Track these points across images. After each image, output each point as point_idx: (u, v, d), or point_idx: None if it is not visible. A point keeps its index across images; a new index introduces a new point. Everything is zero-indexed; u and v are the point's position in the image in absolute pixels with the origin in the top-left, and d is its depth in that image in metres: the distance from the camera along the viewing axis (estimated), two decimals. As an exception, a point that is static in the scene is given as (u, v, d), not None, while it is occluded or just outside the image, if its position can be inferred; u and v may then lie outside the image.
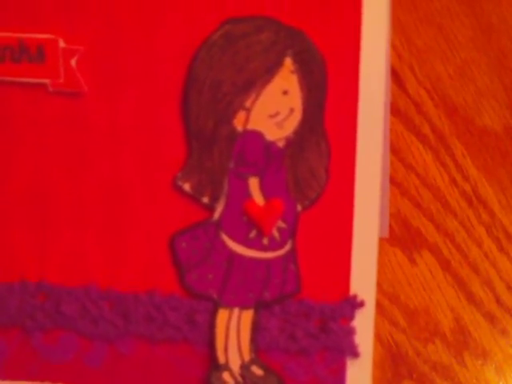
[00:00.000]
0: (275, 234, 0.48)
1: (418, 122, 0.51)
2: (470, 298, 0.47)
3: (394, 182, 0.52)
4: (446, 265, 0.51)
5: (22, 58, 0.47)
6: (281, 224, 0.48)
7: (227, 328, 0.49)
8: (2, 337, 0.49)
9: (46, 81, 0.47)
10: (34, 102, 0.47)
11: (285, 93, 0.46)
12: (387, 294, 0.52)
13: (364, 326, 0.49)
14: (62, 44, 0.47)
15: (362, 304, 0.49)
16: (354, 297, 0.49)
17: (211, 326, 0.49)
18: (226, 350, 0.49)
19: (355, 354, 0.49)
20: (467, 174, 0.48)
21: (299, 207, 0.48)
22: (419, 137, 0.51)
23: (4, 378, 0.49)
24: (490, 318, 0.47)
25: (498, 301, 0.47)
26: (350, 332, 0.49)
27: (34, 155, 0.48)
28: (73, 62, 0.47)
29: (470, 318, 0.47)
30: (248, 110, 0.47)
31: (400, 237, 0.52)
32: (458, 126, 0.50)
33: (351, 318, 0.49)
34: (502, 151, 0.48)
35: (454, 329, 0.50)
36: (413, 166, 0.52)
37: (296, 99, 0.46)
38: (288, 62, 0.46)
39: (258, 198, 0.48)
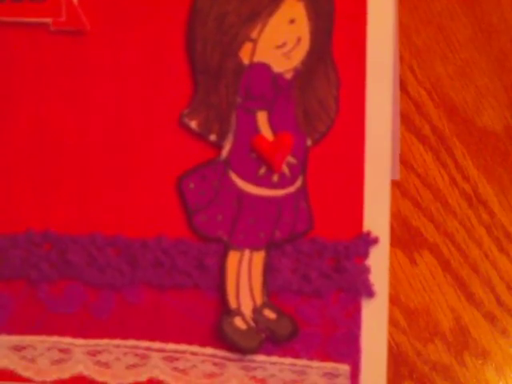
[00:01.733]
0: (285, 170, 0.47)
1: (418, 122, 0.51)
2: (470, 298, 0.47)
3: (394, 183, 0.51)
4: (446, 265, 0.50)
5: None
6: (291, 159, 0.47)
7: (238, 271, 0.47)
8: (7, 289, 0.47)
9: (48, 20, 0.45)
10: (36, 42, 0.46)
11: (291, 21, 0.45)
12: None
13: (379, 264, 0.47)
14: (63, -20, 0.46)
15: (375, 241, 0.47)
16: (368, 233, 0.47)
17: (221, 270, 0.47)
18: (237, 294, 0.47)
19: (370, 293, 0.48)
20: (467, 174, 0.48)
21: (309, 141, 0.47)
22: (419, 137, 0.51)
23: (10, 332, 0.47)
24: (490, 318, 0.47)
25: (498, 301, 0.47)
26: (365, 270, 0.47)
27: (36, 98, 0.47)
28: (75, 0, 0.45)
29: (470, 318, 0.47)
30: (254, 41, 0.45)
31: (400, 237, 0.52)
32: (458, 126, 0.50)
33: (365, 255, 0.47)
34: (502, 151, 0.47)
35: (454, 329, 0.49)
36: (413, 167, 0.52)
37: (303, 28, 0.45)
38: None
39: (266, 132, 0.46)
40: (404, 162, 0.51)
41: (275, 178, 0.47)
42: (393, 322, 0.50)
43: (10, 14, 0.46)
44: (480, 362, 0.46)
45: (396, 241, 0.49)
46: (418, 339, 0.50)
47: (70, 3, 0.46)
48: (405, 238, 0.51)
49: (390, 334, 0.46)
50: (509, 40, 0.47)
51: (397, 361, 0.50)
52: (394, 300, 0.49)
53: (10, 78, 0.46)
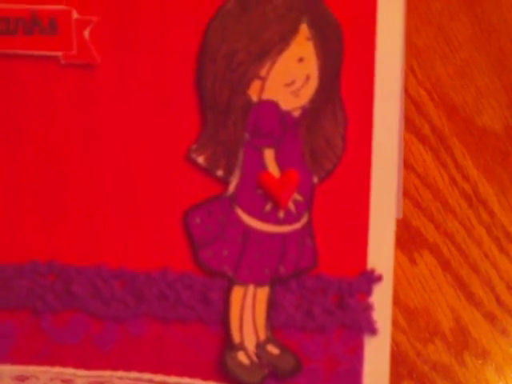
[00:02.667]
0: (291, 206, 0.46)
1: (417, 122, 0.51)
2: (470, 298, 0.46)
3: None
4: (446, 265, 0.50)
5: (34, 30, 0.45)
6: (297, 196, 0.46)
7: (242, 306, 0.47)
8: (11, 319, 0.47)
9: (59, 53, 0.45)
10: (46, 75, 0.45)
11: (300, 60, 0.45)
12: (387, 294, 0.49)
13: (382, 302, 0.47)
14: (74, 15, 0.46)
15: (379, 278, 0.47)
16: (372, 271, 0.47)
17: (226, 304, 0.47)
18: (240, 328, 0.47)
19: (373, 330, 0.47)
20: (467, 174, 0.47)
21: (315, 179, 0.46)
22: (419, 137, 0.51)
23: (13, 362, 0.47)
24: (490, 318, 0.47)
25: (498, 301, 0.46)
26: (368, 308, 0.47)
27: (45, 130, 0.46)
28: (86, 34, 0.45)
29: (470, 318, 0.46)
30: (263, 79, 0.45)
31: (400, 237, 0.51)
32: (458, 126, 0.49)
33: (369, 293, 0.47)
34: (502, 151, 0.47)
35: (454, 329, 0.49)
36: (413, 166, 0.51)
37: (312, 66, 0.45)
38: (304, 28, 0.44)
39: (273, 169, 0.46)
40: (404, 161, 0.50)
41: (281, 214, 0.46)
42: (392, 322, 0.48)
43: (21, 47, 0.45)
44: (480, 362, 0.46)
45: (396, 241, 0.47)
46: (418, 339, 0.50)
47: (81, 37, 0.46)
48: (404, 237, 0.51)
49: (390, 333, 0.45)
50: (509, 40, 0.47)
51: (396, 361, 0.50)
52: (393, 300, 0.48)
53: (19, 110, 0.46)
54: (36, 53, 0.45)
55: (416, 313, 0.47)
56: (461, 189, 0.50)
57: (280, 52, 0.44)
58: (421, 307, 0.50)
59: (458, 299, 0.47)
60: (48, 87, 0.45)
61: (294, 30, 0.44)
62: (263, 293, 0.47)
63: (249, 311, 0.47)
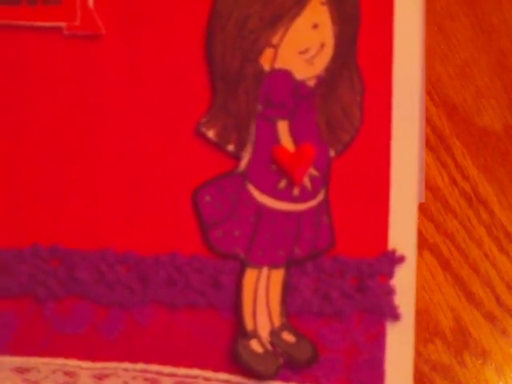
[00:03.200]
0: (306, 182, 0.44)
1: None
2: (470, 297, 0.45)
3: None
4: (446, 265, 0.49)
5: (37, 0, 0.43)
6: (312, 171, 0.44)
7: (255, 290, 0.44)
8: (12, 307, 0.45)
9: (62, 24, 0.43)
10: (49, 47, 0.44)
11: (315, 26, 0.43)
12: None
13: (405, 285, 0.44)
14: (79, -17, 0.44)
15: (401, 259, 0.44)
16: (393, 251, 0.44)
17: (238, 289, 0.44)
18: (254, 314, 0.44)
19: (395, 316, 0.44)
20: (467, 174, 0.46)
21: (332, 152, 0.44)
22: None
23: (14, 353, 0.45)
24: (490, 318, 0.46)
25: (498, 301, 0.45)
26: (390, 291, 0.44)
27: (47, 105, 0.44)
28: (90, 2, 0.43)
29: (470, 318, 0.45)
30: (275, 47, 0.43)
31: None
32: (458, 126, 0.48)
33: (390, 275, 0.44)
34: (502, 151, 0.46)
35: (454, 329, 0.48)
36: None
37: (327, 33, 0.43)
38: None
39: (287, 143, 0.44)
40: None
41: (296, 191, 0.44)
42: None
43: (24, 18, 0.43)
44: (480, 361, 0.45)
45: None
46: (418, 339, 0.48)
47: (85, 7, 0.44)
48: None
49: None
50: (509, 40, 0.46)
51: (397, 361, 0.46)
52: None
53: (21, 83, 0.44)
54: (39, 23, 0.43)
55: (416, 313, 0.45)
56: (461, 189, 0.49)
57: (293, 18, 0.42)
58: (421, 307, 0.49)
59: (458, 299, 0.46)
60: (51, 59, 0.44)
61: None
62: (278, 275, 0.44)
63: (262, 296, 0.44)
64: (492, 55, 0.47)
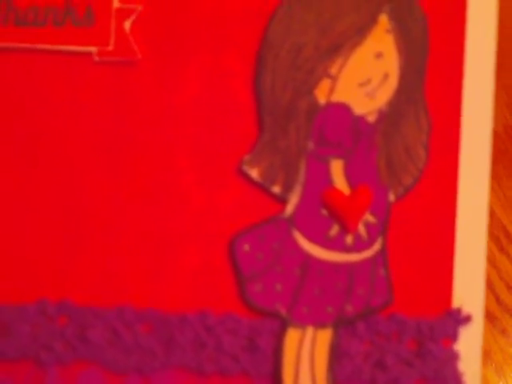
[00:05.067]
0: (362, 230, 0.40)
1: None
2: None
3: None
4: None
5: (66, 20, 0.39)
6: (369, 218, 0.40)
7: (298, 354, 0.40)
8: (10, 372, 0.39)
9: (93, 48, 0.39)
10: (77, 74, 0.40)
11: (378, 56, 0.40)
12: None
13: (470, 349, 0.41)
14: (115, 3, 0.39)
15: (468, 319, 0.41)
16: (458, 310, 0.41)
17: (277, 353, 0.40)
18: (296, 383, 0.40)
19: None
20: None
21: (392, 197, 0.40)
22: None
23: (10, 427, 0.39)
24: (490, 318, 0.44)
25: (498, 301, 0.44)
26: (454, 356, 0.40)
27: (71, 139, 0.40)
28: (127, 25, 0.39)
29: None
30: (333, 78, 0.39)
31: None
32: None
33: (454, 337, 0.41)
34: (502, 151, 0.46)
35: None
36: None
37: (391, 63, 0.40)
38: (383, 19, 0.39)
39: (341, 185, 0.40)
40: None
41: (349, 239, 0.40)
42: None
43: (50, 41, 0.39)
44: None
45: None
46: None
47: (121, 30, 0.39)
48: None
49: None
50: (509, 40, 0.45)
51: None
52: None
53: (44, 114, 0.40)
54: (66, 48, 0.39)
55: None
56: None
57: (355, 46, 0.39)
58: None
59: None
60: (78, 88, 0.40)
61: (372, 21, 0.39)
62: (325, 337, 0.40)
63: (306, 361, 0.40)
64: None
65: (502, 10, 0.44)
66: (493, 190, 0.45)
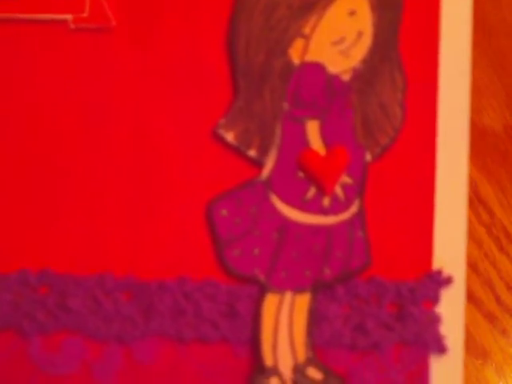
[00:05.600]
0: (339, 191, 0.39)
1: None
2: (470, 297, 0.43)
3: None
4: None
5: None
6: (346, 179, 0.39)
7: (277, 319, 0.39)
8: None
9: (68, 16, 0.39)
10: (53, 42, 0.40)
11: (351, 13, 0.39)
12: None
13: (452, 311, 0.40)
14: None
15: (448, 281, 0.40)
16: (439, 272, 0.40)
17: (256, 318, 0.39)
18: (274, 348, 0.39)
19: (441, 348, 0.40)
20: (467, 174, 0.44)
21: (368, 156, 0.40)
22: None
23: (-6, 396, 0.39)
24: (490, 318, 0.44)
25: (498, 301, 0.44)
26: (435, 319, 0.40)
27: (48, 106, 0.40)
28: None
29: (470, 318, 0.43)
30: (307, 37, 0.39)
31: None
32: None
33: (435, 300, 0.40)
34: (502, 151, 0.45)
35: None
36: None
37: (365, 20, 0.39)
38: None
39: (317, 146, 0.39)
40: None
41: (326, 201, 0.39)
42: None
43: (25, 10, 0.39)
44: (480, 362, 0.43)
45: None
46: None
47: (94, -4, 0.39)
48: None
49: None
50: (509, 40, 0.45)
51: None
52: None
53: (22, 82, 0.40)
54: (42, 16, 0.40)
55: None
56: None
57: (328, 4, 0.39)
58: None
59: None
60: (55, 55, 0.40)
61: None
62: (303, 301, 0.39)
63: (285, 326, 0.39)
64: (492, 55, 0.45)
65: (502, 7, 0.44)
66: (493, 190, 0.45)
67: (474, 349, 0.43)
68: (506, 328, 0.44)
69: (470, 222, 0.44)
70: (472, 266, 0.44)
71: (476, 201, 0.44)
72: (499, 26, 0.44)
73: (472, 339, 0.43)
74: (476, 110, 0.44)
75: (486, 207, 0.44)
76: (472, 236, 0.44)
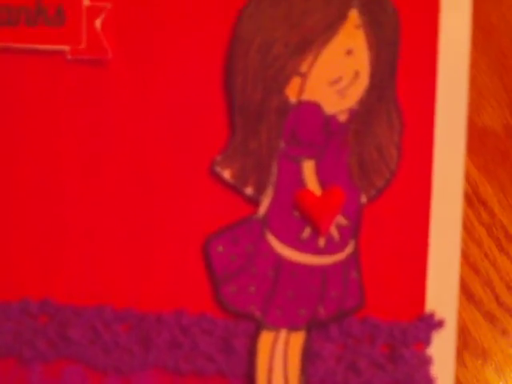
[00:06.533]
0: (334, 232, 0.39)
1: None
2: (470, 297, 0.43)
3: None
4: None
5: (38, 20, 0.39)
6: (341, 220, 0.39)
7: (271, 356, 0.39)
8: None
9: (65, 47, 0.39)
10: (50, 73, 0.39)
11: (349, 53, 0.38)
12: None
13: (443, 354, 0.39)
14: (85, 1, 0.38)
15: (440, 324, 0.39)
16: (431, 315, 0.39)
17: (252, 354, 0.39)
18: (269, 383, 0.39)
19: None
20: (467, 174, 0.44)
21: (364, 198, 0.39)
22: None
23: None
24: (490, 318, 0.43)
25: (498, 301, 0.43)
26: (426, 361, 0.39)
27: (46, 137, 0.40)
28: (97, 24, 0.39)
29: (470, 318, 0.43)
30: (304, 76, 0.38)
31: None
32: None
33: (427, 342, 0.39)
34: (502, 151, 0.44)
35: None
36: None
37: (362, 60, 0.38)
38: (354, 14, 0.38)
39: (313, 186, 0.39)
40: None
41: (321, 242, 0.39)
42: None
43: (22, 40, 0.39)
44: (480, 362, 0.43)
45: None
46: None
47: (92, 28, 0.38)
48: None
49: None
50: (509, 40, 0.44)
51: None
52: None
53: (18, 112, 0.40)
54: (40, 47, 0.39)
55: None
56: (461, 189, 0.47)
57: (325, 43, 0.38)
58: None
59: (458, 299, 0.43)
60: (52, 87, 0.39)
61: (341, 17, 0.38)
62: (298, 340, 0.39)
63: (279, 363, 0.39)
64: (492, 55, 0.44)
65: (502, 7, 0.44)
66: (493, 190, 0.44)
67: (474, 349, 0.43)
68: (506, 328, 0.43)
69: (469, 222, 0.43)
70: (472, 266, 0.43)
71: (476, 201, 0.44)
72: (499, 26, 0.43)
73: (472, 339, 0.43)
74: (476, 110, 0.43)
75: (486, 207, 0.44)
76: (472, 236, 0.43)
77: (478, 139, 0.44)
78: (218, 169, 0.39)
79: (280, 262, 0.39)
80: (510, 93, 0.44)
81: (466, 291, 0.43)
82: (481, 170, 0.44)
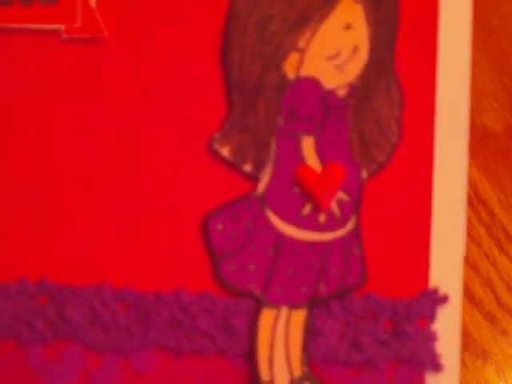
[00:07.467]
0: (334, 208, 0.38)
1: None
2: (470, 297, 0.43)
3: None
4: None
5: None
6: (342, 196, 0.38)
7: (273, 334, 0.39)
8: None
9: (60, 26, 0.38)
10: (45, 52, 0.39)
11: (347, 27, 0.38)
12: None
13: (448, 329, 0.39)
14: (80, -21, 0.38)
15: (444, 299, 0.39)
16: (435, 290, 0.39)
17: (252, 332, 0.38)
18: (270, 362, 0.39)
19: (437, 366, 0.39)
20: (467, 174, 0.43)
21: (364, 174, 0.38)
22: None
23: (-6, 403, 0.39)
24: (490, 318, 0.43)
25: (498, 301, 0.43)
26: (431, 337, 0.39)
27: (41, 118, 0.39)
28: (92, 2, 0.38)
29: (470, 318, 0.43)
30: (302, 52, 0.37)
31: None
32: None
33: (431, 318, 0.39)
34: (502, 151, 0.44)
35: None
36: None
37: (361, 35, 0.37)
38: None
39: (313, 162, 0.38)
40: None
41: (322, 218, 0.38)
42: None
43: (17, 20, 0.38)
44: (480, 362, 0.43)
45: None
46: None
47: (87, 7, 0.38)
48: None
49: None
50: (509, 40, 0.44)
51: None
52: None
53: (14, 93, 0.39)
54: (34, 26, 0.38)
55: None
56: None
57: (323, 18, 0.37)
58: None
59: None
60: (47, 66, 0.39)
61: None
62: (299, 317, 0.39)
63: (281, 340, 0.39)
64: (492, 55, 0.44)
65: (502, 7, 0.43)
66: (493, 190, 0.44)
67: (474, 349, 0.43)
68: (506, 328, 0.43)
69: (469, 222, 0.43)
70: (472, 266, 0.43)
71: (476, 201, 0.44)
72: (499, 25, 0.43)
73: (472, 339, 0.43)
74: (476, 111, 0.43)
75: (486, 207, 0.44)
76: (472, 236, 0.43)
77: (478, 139, 0.44)
78: (216, 146, 0.38)
79: (280, 239, 0.39)
80: (510, 93, 0.44)
81: (466, 291, 0.43)
82: (481, 170, 0.44)
